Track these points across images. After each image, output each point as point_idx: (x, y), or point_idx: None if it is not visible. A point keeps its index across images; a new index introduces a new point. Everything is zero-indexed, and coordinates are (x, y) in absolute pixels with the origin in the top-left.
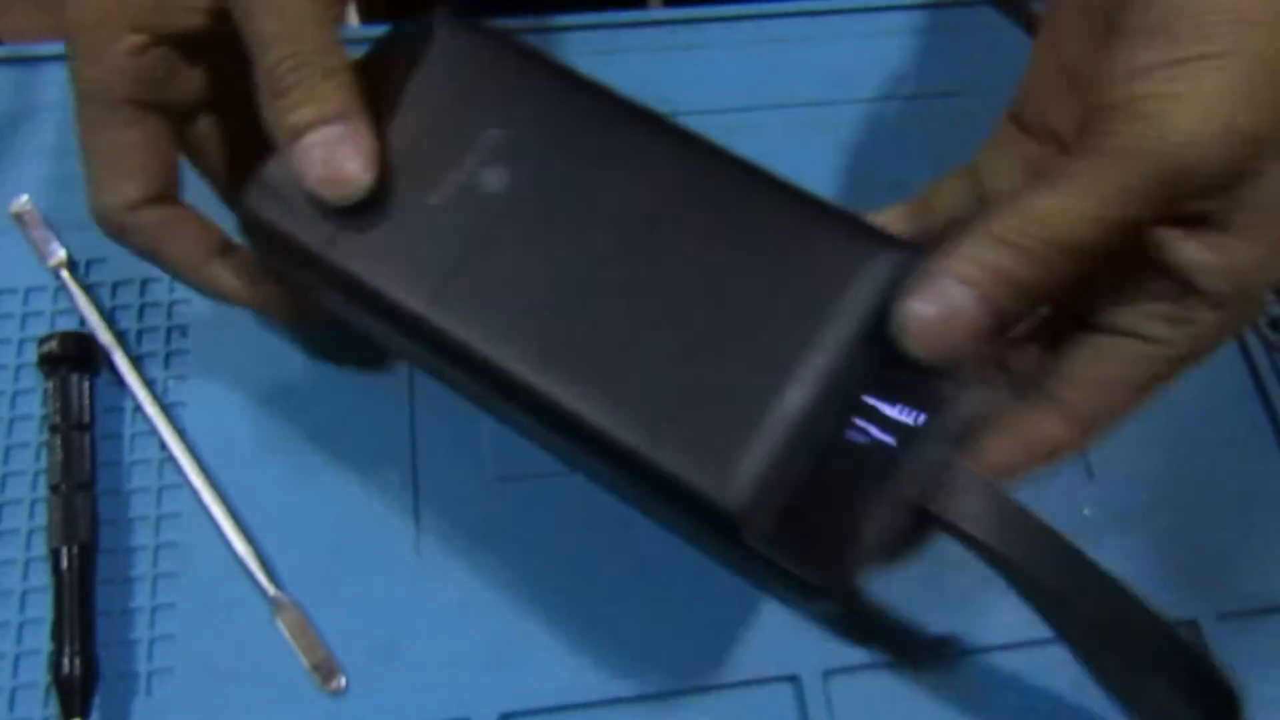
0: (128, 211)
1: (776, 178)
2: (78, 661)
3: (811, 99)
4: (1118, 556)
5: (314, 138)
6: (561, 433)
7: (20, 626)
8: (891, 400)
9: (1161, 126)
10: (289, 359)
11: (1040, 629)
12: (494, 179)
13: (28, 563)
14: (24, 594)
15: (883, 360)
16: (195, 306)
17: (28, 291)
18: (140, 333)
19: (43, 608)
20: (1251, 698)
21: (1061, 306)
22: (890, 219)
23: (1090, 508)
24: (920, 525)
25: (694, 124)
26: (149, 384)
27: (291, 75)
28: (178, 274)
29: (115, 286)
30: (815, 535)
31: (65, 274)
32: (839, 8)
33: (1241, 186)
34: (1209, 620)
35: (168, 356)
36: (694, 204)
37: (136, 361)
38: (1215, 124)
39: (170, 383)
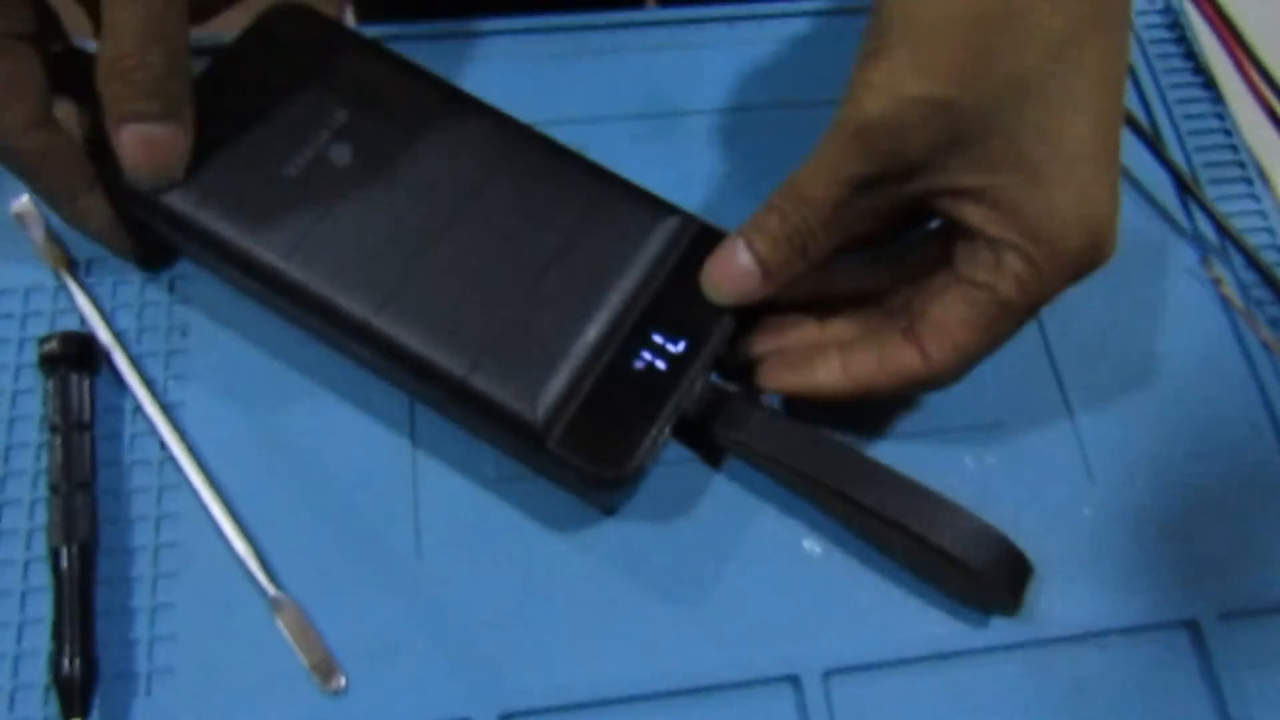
0: (19, 133)
1: (581, 157)
2: (77, 662)
3: (810, 99)
4: (1117, 556)
5: (136, 130)
6: (399, 365)
7: (20, 627)
8: (663, 333)
9: (858, 106)
10: (289, 359)
11: (1040, 629)
12: (340, 154)
13: (27, 563)
14: (24, 594)
15: (661, 303)
16: (195, 306)
17: (28, 291)
18: (140, 332)
19: (42, 608)
20: (1252, 698)
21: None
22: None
23: (1090, 508)
24: (707, 444)
25: (694, 124)
26: (149, 384)
27: (135, 72)
28: (54, 202)
29: (115, 286)
30: (600, 441)
31: (65, 274)
32: (839, 8)
33: (974, 147)
34: (1210, 620)
35: (168, 356)
36: (511, 177)
37: (136, 361)
38: (886, 100)
39: (170, 382)
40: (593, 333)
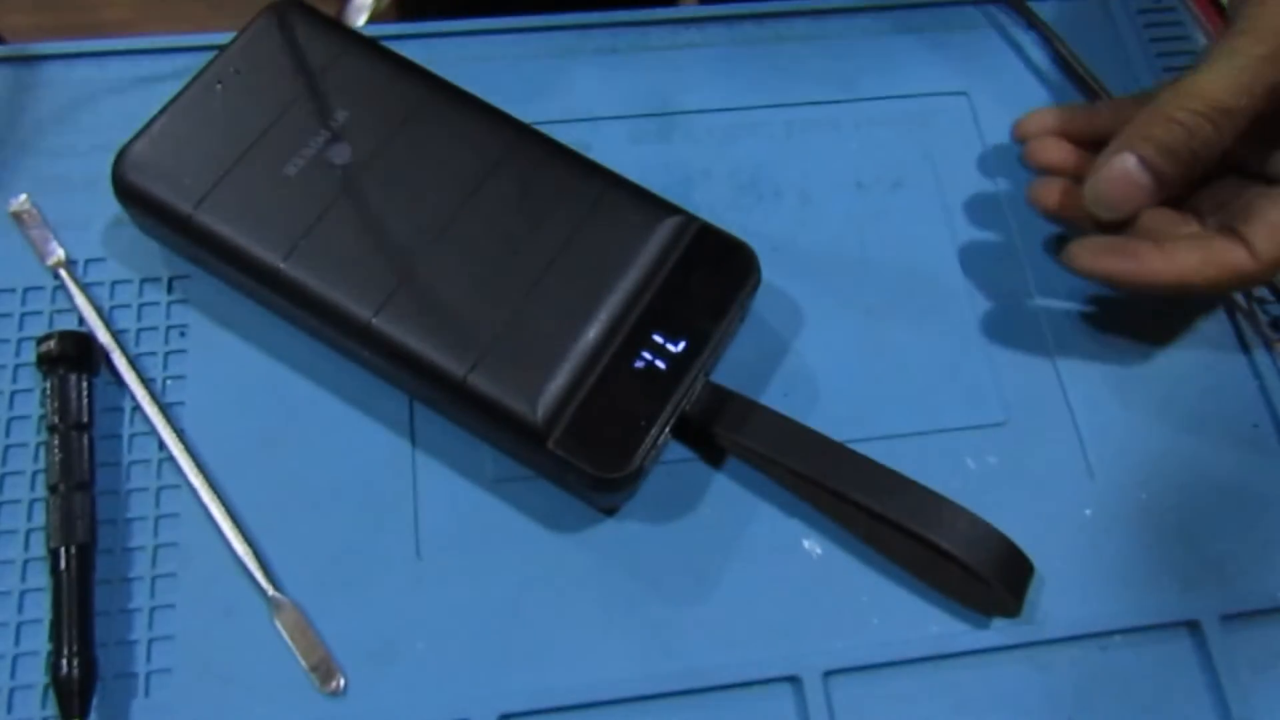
0: None
1: (581, 156)
2: (76, 662)
3: (811, 99)
4: (1118, 557)
5: None
6: (399, 366)
7: (19, 627)
8: (664, 332)
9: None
10: (289, 359)
11: (1040, 630)
12: (340, 153)
13: (26, 563)
14: (22, 594)
15: (662, 302)
16: (194, 306)
17: (26, 291)
18: (139, 332)
19: (41, 608)
20: (1254, 699)
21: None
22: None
23: (1090, 508)
24: (707, 444)
25: (694, 124)
26: (148, 384)
27: None
28: None
29: (114, 286)
30: (601, 441)
31: (64, 273)
32: (839, 7)
33: None
34: (1211, 621)
35: (166, 356)
36: (511, 177)
37: (135, 361)
38: None
39: (169, 382)
40: (593, 332)
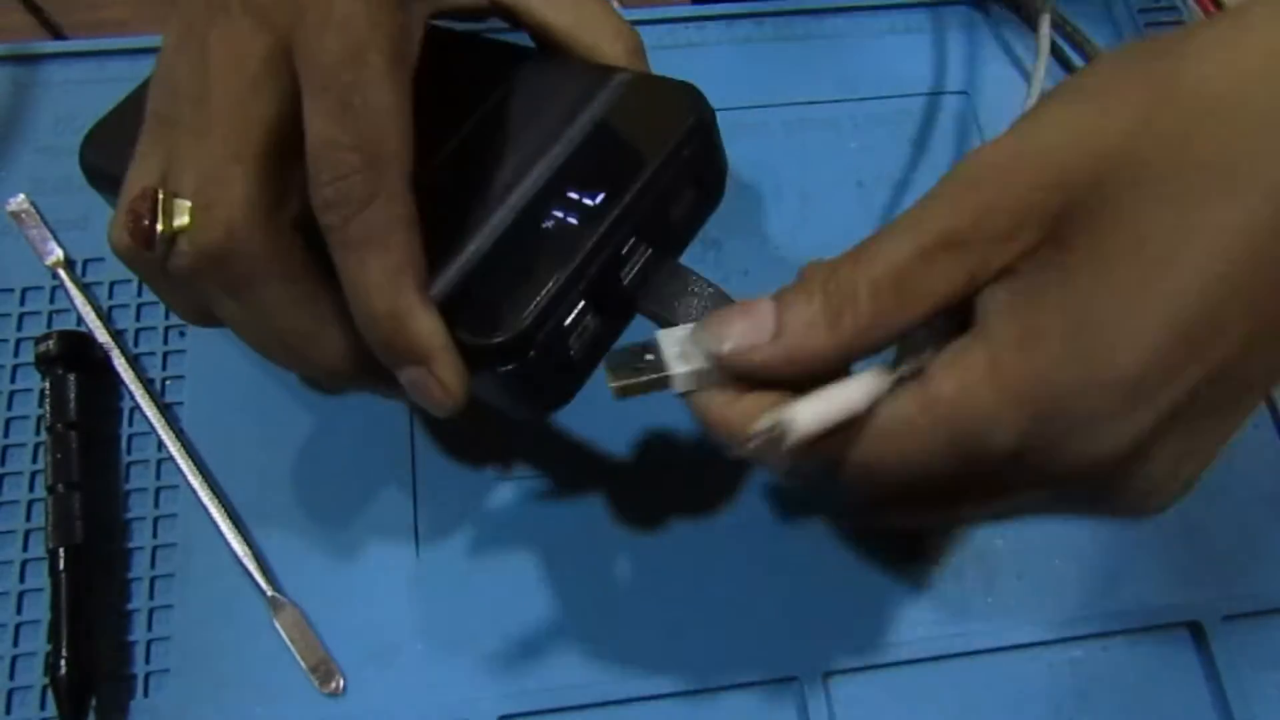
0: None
1: (500, 41)
2: (75, 663)
3: (811, 99)
4: (1118, 557)
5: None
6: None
7: (17, 628)
8: (580, 188)
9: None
10: None
11: (1041, 630)
12: None
13: (25, 564)
14: (21, 595)
15: (581, 160)
16: None
17: (25, 291)
18: (138, 332)
19: (40, 609)
20: (1255, 699)
21: None
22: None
23: None
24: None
25: None
26: (147, 384)
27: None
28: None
29: (113, 286)
30: (488, 305)
31: (63, 273)
32: (839, 7)
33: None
34: (1212, 621)
35: (165, 356)
36: (429, 73)
37: (134, 361)
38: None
39: (168, 383)
40: (500, 200)
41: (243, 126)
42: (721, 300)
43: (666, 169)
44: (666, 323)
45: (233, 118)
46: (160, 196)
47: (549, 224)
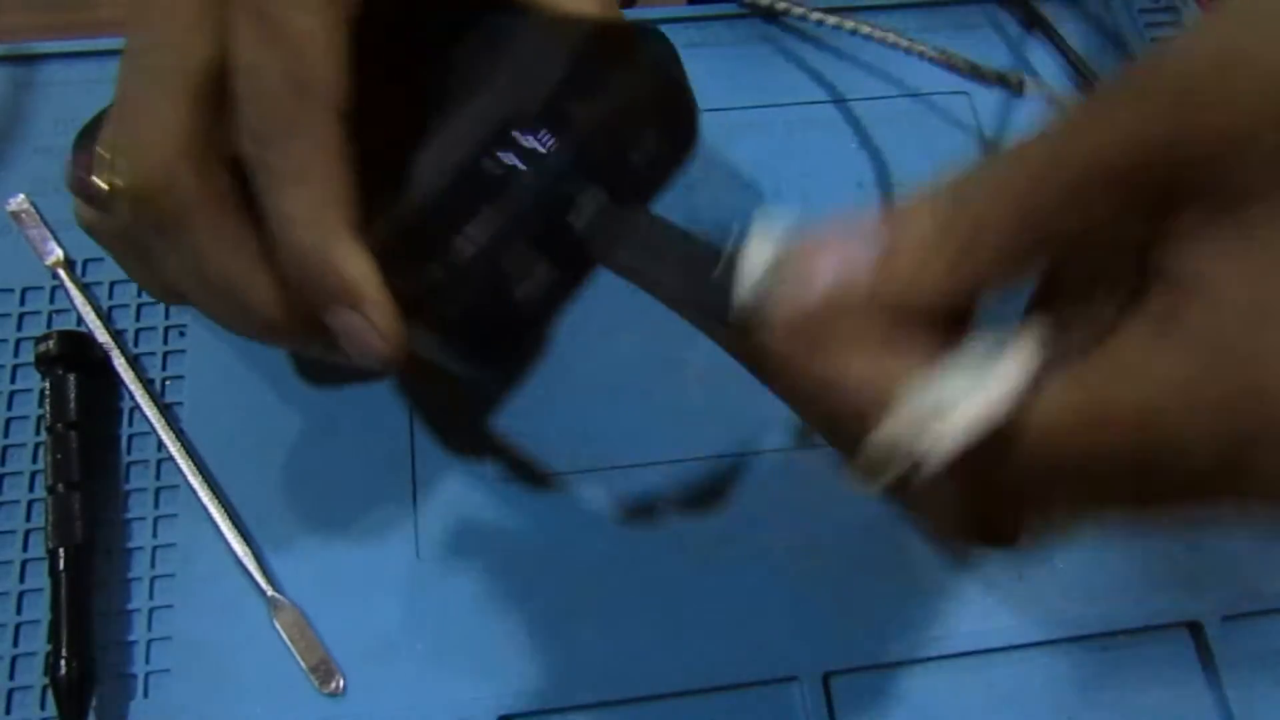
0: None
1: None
2: (75, 663)
3: (811, 99)
4: (1118, 557)
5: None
6: None
7: (17, 628)
8: (527, 130)
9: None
10: (287, 359)
11: (1041, 630)
12: None
13: (24, 564)
14: (21, 595)
15: (540, 106)
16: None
17: (24, 291)
18: (138, 332)
19: (40, 609)
20: (1255, 699)
21: None
22: None
23: None
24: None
25: None
26: (147, 384)
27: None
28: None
29: (113, 286)
30: (421, 247)
31: (62, 273)
32: (839, 7)
33: None
34: (1212, 621)
35: (165, 356)
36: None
37: (134, 361)
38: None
39: (168, 383)
40: (447, 149)
41: (178, 67)
42: (701, 249)
43: (617, 110)
44: (634, 277)
45: (167, 60)
46: (98, 151)
47: (495, 169)
